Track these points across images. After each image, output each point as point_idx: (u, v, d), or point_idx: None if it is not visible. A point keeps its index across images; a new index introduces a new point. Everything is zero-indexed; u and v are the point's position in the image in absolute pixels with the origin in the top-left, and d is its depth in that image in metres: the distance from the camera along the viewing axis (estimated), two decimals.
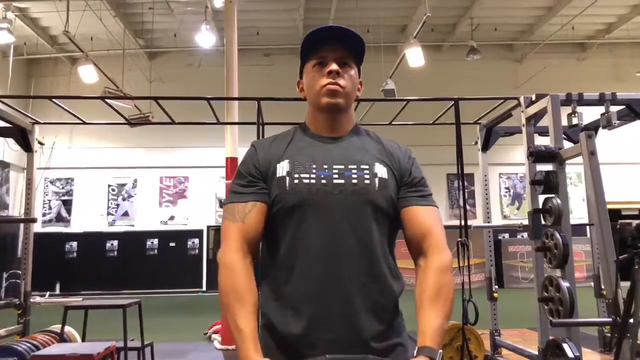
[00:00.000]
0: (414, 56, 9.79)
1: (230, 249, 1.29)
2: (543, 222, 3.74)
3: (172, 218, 14.13)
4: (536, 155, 3.56)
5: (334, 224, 1.26)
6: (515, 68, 14.65)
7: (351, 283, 1.24)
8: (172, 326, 8.01)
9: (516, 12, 12.78)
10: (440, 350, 1.17)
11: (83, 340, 4.70)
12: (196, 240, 14.00)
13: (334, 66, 1.34)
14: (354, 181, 1.30)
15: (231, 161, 6.89)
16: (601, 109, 4.04)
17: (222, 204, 14.09)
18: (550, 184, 3.54)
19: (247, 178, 1.35)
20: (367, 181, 1.31)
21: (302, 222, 1.28)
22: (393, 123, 5.41)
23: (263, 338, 1.26)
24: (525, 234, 13.15)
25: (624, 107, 4.12)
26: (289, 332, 1.24)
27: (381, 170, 1.34)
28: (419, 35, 9.39)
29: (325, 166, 1.32)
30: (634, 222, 2.10)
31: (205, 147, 13.42)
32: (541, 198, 3.78)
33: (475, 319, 4.33)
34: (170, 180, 14.27)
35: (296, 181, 1.29)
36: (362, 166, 1.33)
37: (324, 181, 1.29)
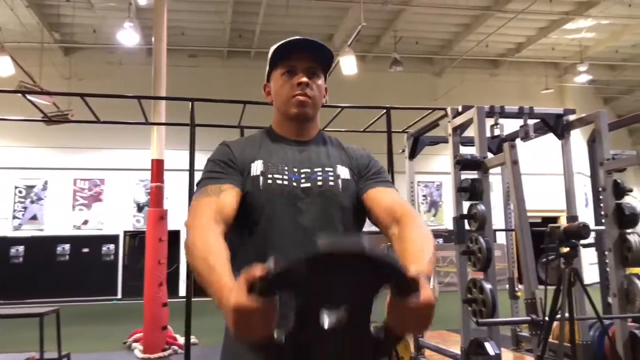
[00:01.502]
0: (348, 64, 10.11)
1: (200, 216, 1.18)
2: (467, 227, 3.95)
3: (85, 222, 13.38)
4: (463, 164, 3.76)
5: (301, 225, 1.29)
6: (435, 81, 15.34)
7: None
8: (89, 335, 7.58)
9: (437, 27, 13.40)
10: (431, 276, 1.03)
11: None
12: (111, 246, 13.34)
13: (303, 78, 1.36)
14: (319, 183, 1.34)
15: (157, 163, 6.64)
16: (519, 122, 4.35)
17: (140, 208, 13.60)
18: (475, 191, 3.75)
19: (223, 166, 1.33)
20: (331, 183, 1.35)
21: (271, 222, 1.29)
22: (326, 130, 5.51)
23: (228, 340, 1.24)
24: (441, 240, 13.81)
25: (539, 120, 4.46)
26: None
27: (344, 172, 1.38)
28: (344, 45, 9.62)
29: (295, 169, 1.35)
30: (562, 226, 2.29)
31: (124, 148, 12.88)
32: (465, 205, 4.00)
33: None
34: (84, 183, 13.52)
35: (269, 181, 1.32)
36: (327, 169, 1.37)
37: (294, 184, 1.33)
